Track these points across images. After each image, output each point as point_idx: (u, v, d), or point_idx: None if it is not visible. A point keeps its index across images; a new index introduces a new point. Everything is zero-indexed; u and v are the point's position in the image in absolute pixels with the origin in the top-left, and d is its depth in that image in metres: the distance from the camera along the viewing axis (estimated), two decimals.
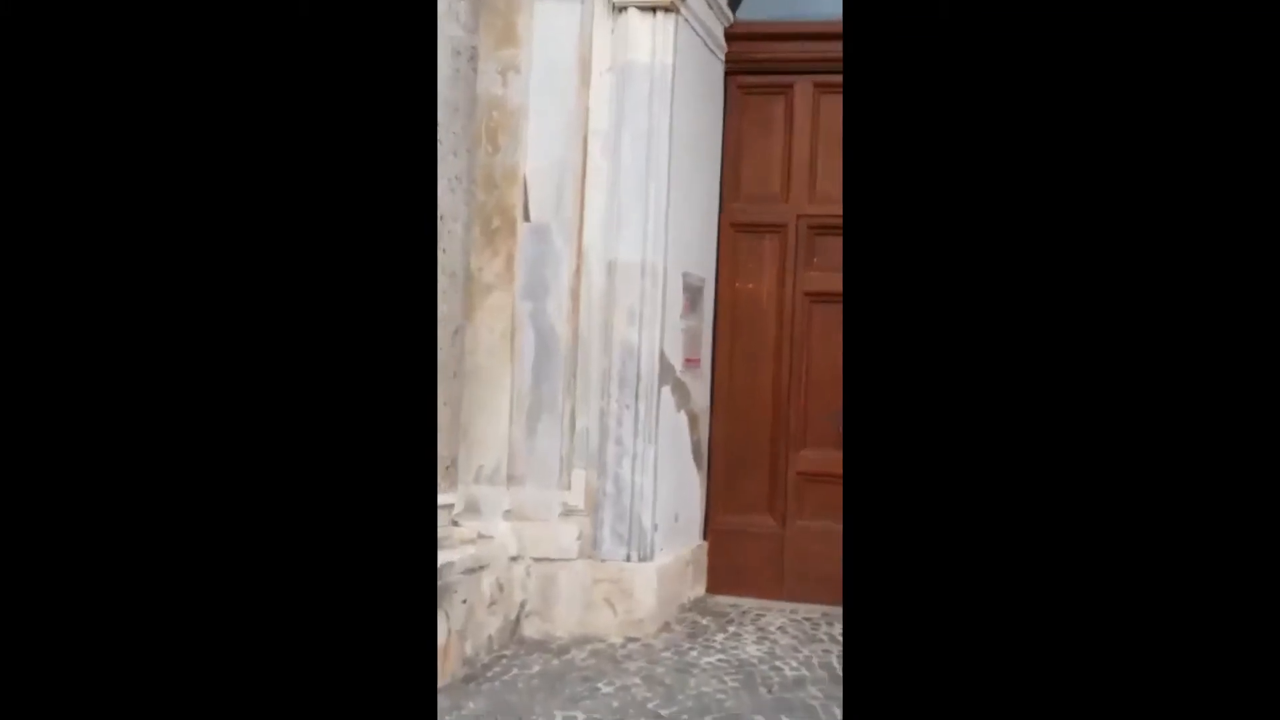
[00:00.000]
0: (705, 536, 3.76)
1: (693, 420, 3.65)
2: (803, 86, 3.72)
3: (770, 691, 2.73)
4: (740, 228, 3.79)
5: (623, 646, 3.09)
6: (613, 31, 3.23)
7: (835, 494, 3.53)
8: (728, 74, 3.77)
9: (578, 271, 3.29)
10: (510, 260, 3.27)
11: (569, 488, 3.28)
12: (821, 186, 3.73)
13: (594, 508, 3.25)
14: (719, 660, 3.00)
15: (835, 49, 3.52)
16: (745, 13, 3.78)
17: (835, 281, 3.58)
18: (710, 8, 3.50)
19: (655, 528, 3.30)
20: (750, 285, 3.78)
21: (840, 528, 3.64)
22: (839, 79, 3.54)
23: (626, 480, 3.26)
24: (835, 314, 3.61)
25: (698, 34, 3.48)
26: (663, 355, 3.33)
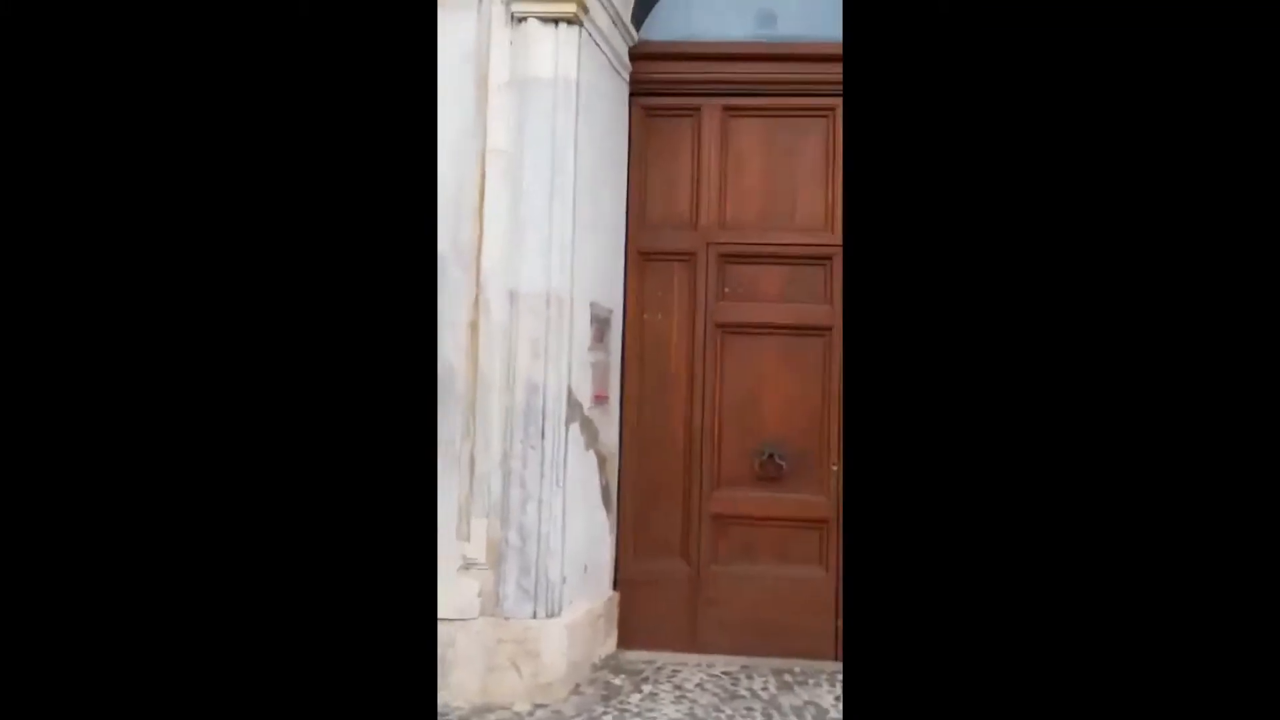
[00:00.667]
0: (616, 586, 3.49)
1: (602, 461, 3.39)
2: (710, 109, 3.58)
3: None
4: (648, 256, 3.60)
5: (530, 715, 2.76)
6: (511, 43, 2.99)
7: (752, 535, 3.48)
8: (632, 95, 3.60)
9: (476, 303, 3.01)
10: None
11: (468, 539, 2.95)
12: (732, 213, 3.59)
13: (496, 560, 2.93)
14: None
15: (744, 70, 3.55)
16: (650, 32, 3.62)
17: (748, 312, 3.53)
18: (614, 24, 3.31)
19: (564, 580, 3.01)
20: (659, 316, 3.59)
21: (758, 570, 3.54)
22: (748, 101, 3.54)
23: (532, 528, 2.95)
24: (749, 345, 3.53)
25: (602, 50, 3.28)
26: (570, 391, 3.06)
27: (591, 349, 3.30)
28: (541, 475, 2.97)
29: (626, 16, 3.41)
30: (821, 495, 3.47)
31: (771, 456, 3.48)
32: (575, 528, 3.13)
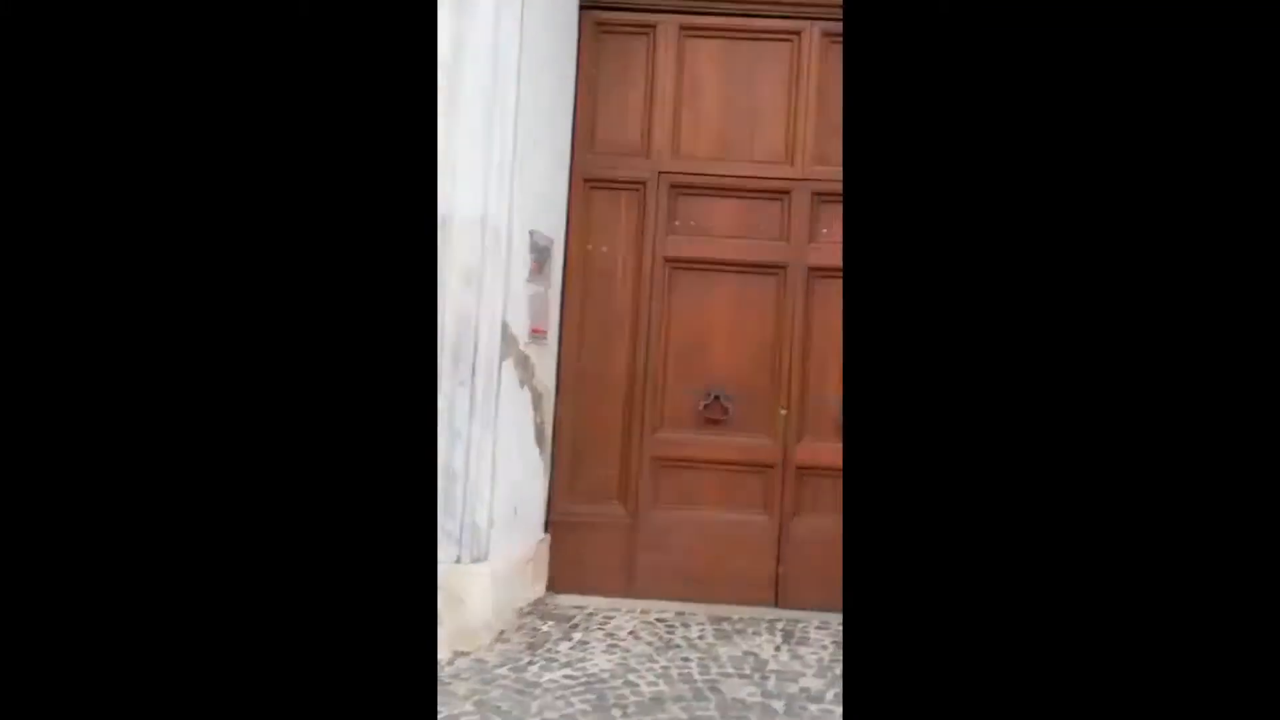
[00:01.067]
0: (547, 529, 3.35)
1: (537, 399, 3.22)
2: (667, 27, 3.35)
3: (626, 714, 2.33)
4: (594, 183, 3.38)
5: (450, 664, 2.61)
6: None
7: (693, 481, 3.35)
8: (583, 8, 3.35)
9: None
10: None
11: None
12: (686, 141, 3.39)
13: None
14: (564, 677, 2.56)
15: None
16: None
17: (698, 247, 3.36)
18: None
19: (491, 524, 2.84)
20: (604, 248, 3.39)
21: (698, 515, 3.44)
22: (707, 21, 3.29)
23: (459, 470, 2.77)
24: (698, 281, 3.38)
25: None
26: (505, 325, 2.87)
27: (530, 280, 3.10)
28: (471, 414, 2.79)
29: None
30: (768, 439, 3.36)
31: (717, 398, 3.35)
32: (506, 469, 2.97)
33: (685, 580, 3.30)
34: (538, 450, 3.29)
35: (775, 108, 3.37)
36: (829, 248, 3.31)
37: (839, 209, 3.24)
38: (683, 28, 3.35)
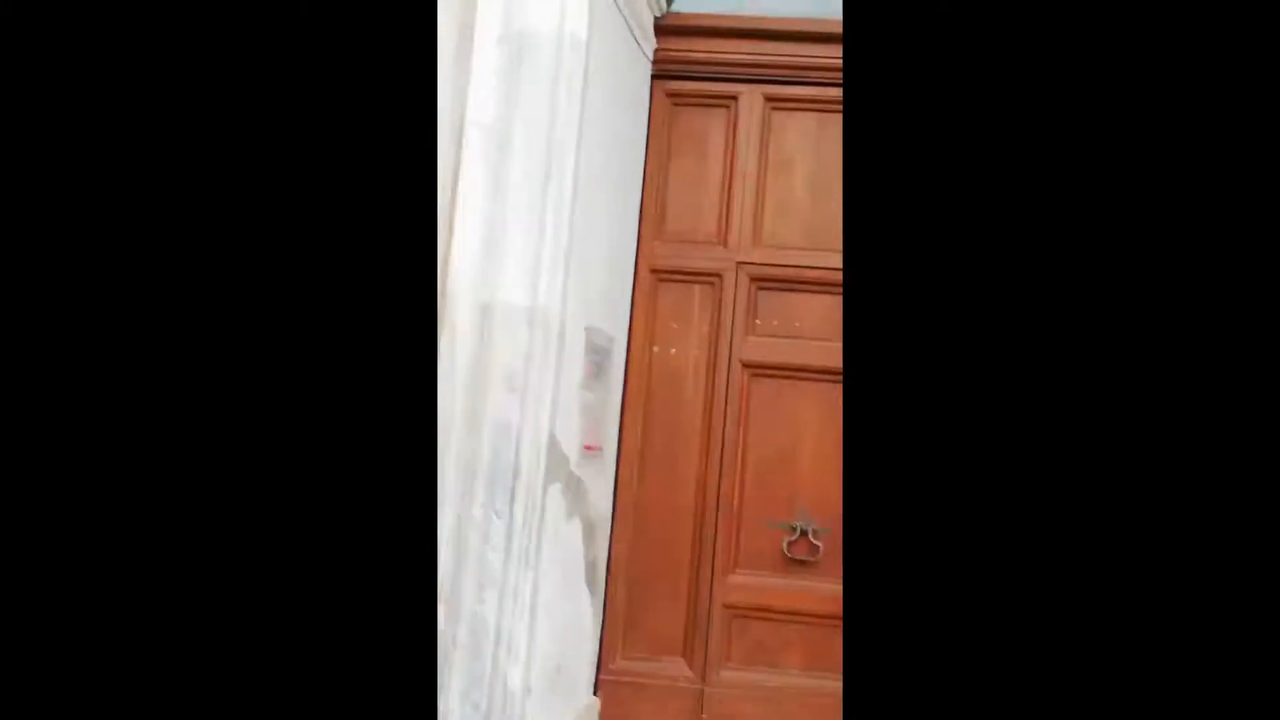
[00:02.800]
0: (596, 691, 2.89)
1: (588, 530, 2.78)
2: (750, 99, 3.09)
3: None
4: (663, 275, 3.10)
5: None
6: None
7: (773, 634, 2.89)
8: (655, 77, 3.11)
9: (441, 312, 2.45)
10: None
11: None
12: (771, 227, 3.10)
13: (440, 665, 2.30)
14: None
15: (792, 51, 2.95)
16: (681, 3, 3.14)
17: (783, 350, 3.03)
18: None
19: (528, 690, 2.35)
20: (673, 350, 3.08)
21: (781, 680, 3.12)
22: (796, 90, 3.01)
23: (489, 623, 2.31)
24: (781, 390, 3.06)
25: (621, 12, 2.77)
26: (553, 439, 2.47)
27: (585, 386, 2.73)
28: (508, 553, 2.36)
29: None
30: None
31: (804, 533, 2.92)
32: (549, 620, 2.52)
33: None
34: (588, 593, 2.83)
35: None
36: None
37: None
38: (768, 99, 3.10)
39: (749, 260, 3.09)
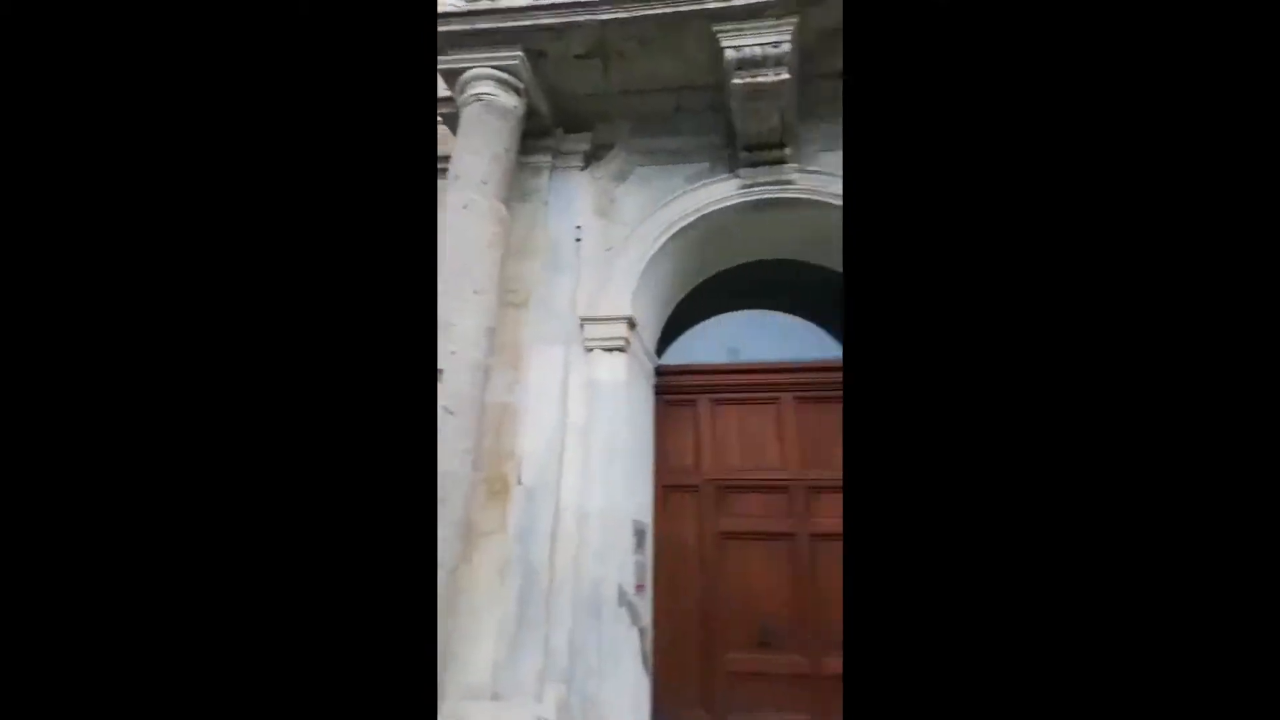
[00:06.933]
0: None
1: (642, 634, 3.50)
2: (703, 402, 4.05)
3: None
4: (669, 488, 3.89)
5: None
6: (585, 362, 3.48)
7: (762, 688, 3.52)
8: (657, 392, 4.03)
9: (557, 519, 3.36)
10: (505, 513, 3.40)
11: (541, 700, 3.07)
12: (720, 460, 3.93)
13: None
14: None
15: (722, 380, 4.07)
16: (667, 358, 4.17)
17: (740, 524, 3.87)
18: (645, 354, 3.82)
19: None
20: (678, 528, 3.82)
21: (764, 717, 3.55)
22: (727, 396, 4.05)
23: (594, 694, 3.04)
24: (741, 548, 3.83)
25: (640, 365, 3.83)
26: (620, 584, 3.30)
27: (634, 552, 3.54)
28: (600, 650, 3.02)
29: (652, 349, 3.94)
30: (803, 656, 3.63)
31: (764, 628, 3.59)
32: (624, 690, 3.21)
33: None
34: (644, 673, 3.51)
35: (770, 439, 3.97)
36: (824, 521, 3.72)
37: (829, 496, 3.80)
38: (713, 400, 4.05)
39: (711, 477, 3.87)
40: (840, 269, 4.25)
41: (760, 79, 3.10)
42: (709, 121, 3.93)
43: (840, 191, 3.80)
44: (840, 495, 3.91)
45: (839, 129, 3.97)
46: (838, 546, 3.79)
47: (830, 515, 3.88)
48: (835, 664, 3.52)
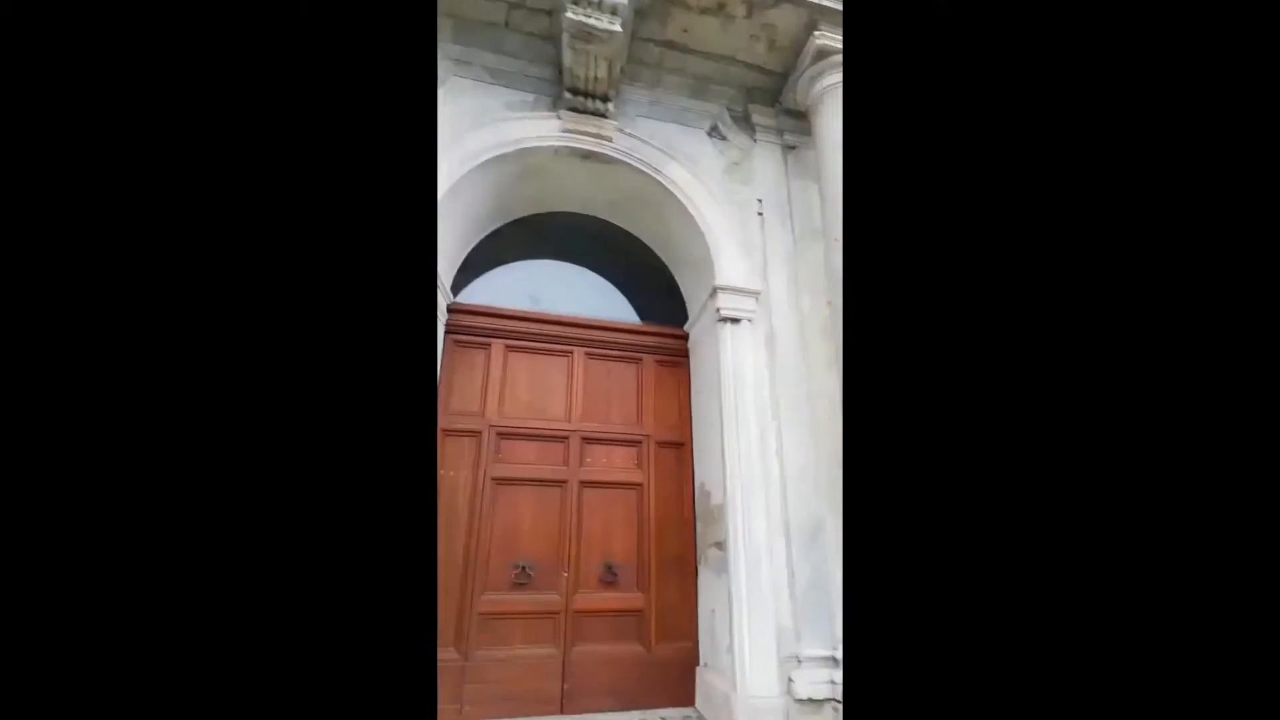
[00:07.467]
0: None
1: None
2: (497, 347, 4.02)
3: None
4: (449, 432, 3.83)
5: None
6: None
7: (514, 626, 3.63)
8: (447, 331, 3.94)
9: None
10: None
11: None
12: (506, 406, 4.04)
13: None
14: None
15: (519, 326, 4.10)
16: (461, 297, 4.16)
17: (514, 470, 3.92)
18: (440, 289, 3.78)
19: None
20: (451, 472, 3.77)
21: (516, 653, 3.69)
22: (521, 343, 4.09)
23: None
24: (513, 493, 3.89)
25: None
26: None
27: None
28: None
29: (447, 285, 3.82)
30: (557, 594, 3.79)
31: (525, 569, 3.70)
32: None
33: (511, 704, 3.50)
34: None
35: (558, 392, 4.08)
36: (593, 469, 3.95)
37: (600, 448, 4.02)
38: (508, 347, 4.06)
39: (494, 423, 3.88)
40: (647, 241, 4.53)
41: (593, 21, 3.05)
42: (538, 50, 3.80)
43: (653, 160, 3.97)
44: (612, 448, 4.21)
45: (659, 98, 4.03)
46: (604, 493, 4.08)
47: (601, 465, 4.10)
48: (585, 601, 3.79)
